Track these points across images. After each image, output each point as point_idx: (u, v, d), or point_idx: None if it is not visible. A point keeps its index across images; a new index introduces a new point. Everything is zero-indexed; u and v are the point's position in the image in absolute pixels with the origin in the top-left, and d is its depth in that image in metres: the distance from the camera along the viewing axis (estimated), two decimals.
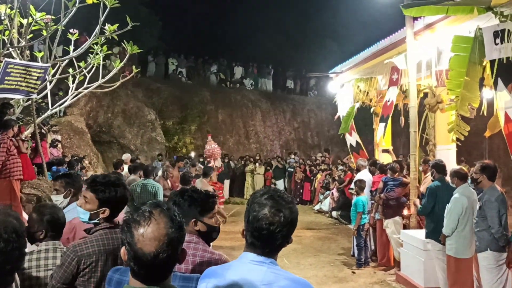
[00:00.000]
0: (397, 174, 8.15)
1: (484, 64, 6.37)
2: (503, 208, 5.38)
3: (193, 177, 8.86)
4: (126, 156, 13.65)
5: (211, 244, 3.27)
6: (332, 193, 14.89)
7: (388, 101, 8.70)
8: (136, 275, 1.69)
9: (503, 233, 5.30)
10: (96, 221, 2.84)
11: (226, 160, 19.60)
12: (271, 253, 1.98)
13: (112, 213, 2.86)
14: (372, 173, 9.20)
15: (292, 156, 20.88)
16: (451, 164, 7.40)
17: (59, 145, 13.26)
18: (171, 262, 1.71)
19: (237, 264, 2.01)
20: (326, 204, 15.47)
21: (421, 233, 6.94)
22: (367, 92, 10.58)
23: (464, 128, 6.83)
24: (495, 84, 5.87)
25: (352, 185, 9.45)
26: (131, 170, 9.13)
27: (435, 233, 6.41)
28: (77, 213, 2.97)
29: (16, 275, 2.76)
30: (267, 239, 1.93)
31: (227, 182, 19.11)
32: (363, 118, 13.98)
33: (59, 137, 14.12)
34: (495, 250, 5.40)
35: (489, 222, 5.37)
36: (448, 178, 6.52)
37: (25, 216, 5.88)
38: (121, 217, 2.87)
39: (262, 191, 2.02)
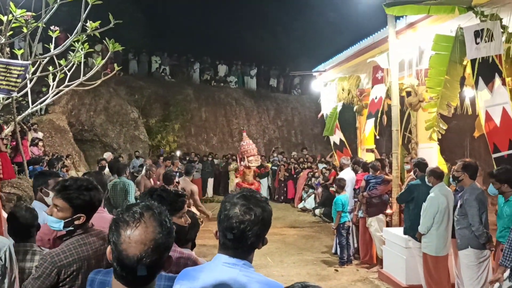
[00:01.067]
0: (378, 172, 8.21)
1: (465, 63, 6.44)
2: (483, 206, 5.45)
3: (175, 175, 8.83)
4: (108, 155, 13.57)
5: (195, 242, 3.27)
6: (318, 190, 14.96)
7: (376, 98, 8.70)
8: (119, 276, 1.64)
9: (484, 231, 5.37)
10: (71, 228, 2.68)
11: (210, 159, 19.59)
12: (243, 254, 1.94)
13: (88, 218, 2.72)
14: (355, 171, 9.26)
15: (275, 154, 20.85)
16: (433, 162, 7.47)
17: (40, 144, 13.10)
18: (155, 268, 1.64)
19: (210, 267, 1.98)
20: (309, 202, 15.53)
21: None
22: (350, 91, 10.61)
23: (442, 126, 6.89)
24: (476, 83, 5.94)
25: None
26: (111, 171, 9.09)
27: (412, 230, 6.48)
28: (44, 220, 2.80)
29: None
30: (238, 238, 1.89)
31: (210, 181, 19.12)
32: (347, 117, 14.04)
33: (40, 135, 13.95)
34: (476, 247, 5.47)
35: (470, 220, 5.43)
36: None
37: (5, 216, 5.80)
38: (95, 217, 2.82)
39: (236, 192, 2.01)
